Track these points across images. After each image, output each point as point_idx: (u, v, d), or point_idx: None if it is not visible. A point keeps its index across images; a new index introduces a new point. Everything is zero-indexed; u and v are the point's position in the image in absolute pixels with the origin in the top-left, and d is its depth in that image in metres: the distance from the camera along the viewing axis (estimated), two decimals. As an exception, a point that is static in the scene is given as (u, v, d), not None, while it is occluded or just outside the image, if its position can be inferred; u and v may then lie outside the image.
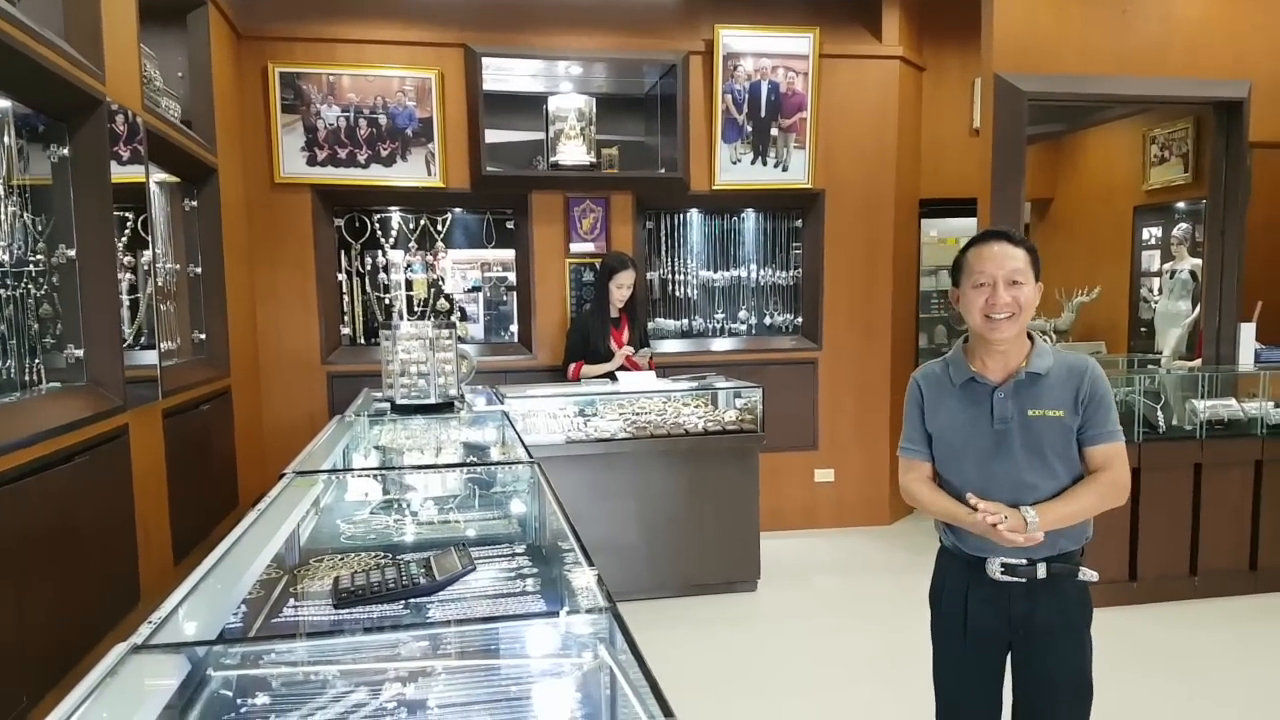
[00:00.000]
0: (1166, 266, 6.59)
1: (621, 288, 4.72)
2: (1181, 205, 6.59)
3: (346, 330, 5.35)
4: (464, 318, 5.60)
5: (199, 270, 4.07)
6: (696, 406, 4.53)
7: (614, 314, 4.79)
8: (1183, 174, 6.30)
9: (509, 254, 5.59)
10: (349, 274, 5.37)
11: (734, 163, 5.30)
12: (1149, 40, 4.68)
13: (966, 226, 6.55)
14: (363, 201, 5.27)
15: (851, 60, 5.46)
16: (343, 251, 5.35)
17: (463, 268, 5.65)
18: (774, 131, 5.33)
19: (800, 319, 5.79)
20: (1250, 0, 4.77)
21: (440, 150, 5.01)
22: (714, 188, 5.30)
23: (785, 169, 5.36)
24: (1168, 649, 3.85)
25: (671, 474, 4.33)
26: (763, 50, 5.27)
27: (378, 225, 5.40)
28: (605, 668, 1.50)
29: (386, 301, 5.44)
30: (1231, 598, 4.38)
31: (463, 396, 3.70)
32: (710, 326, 5.77)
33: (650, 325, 5.45)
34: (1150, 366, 5.11)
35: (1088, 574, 2.08)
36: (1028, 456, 2.03)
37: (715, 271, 5.76)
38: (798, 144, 5.36)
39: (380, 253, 5.41)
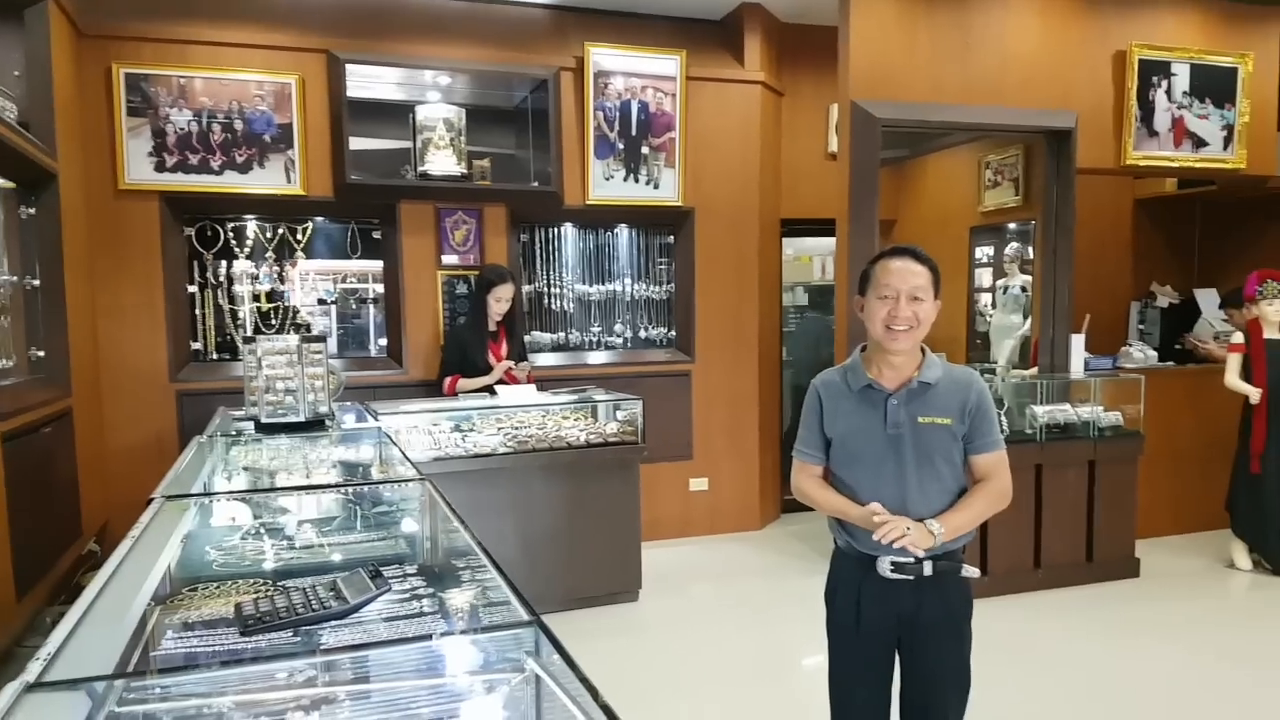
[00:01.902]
0: (1000, 283, 7.12)
1: (500, 301, 4.67)
2: (1012, 226, 7.13)
3: (197, 345, 5.05)
4: (303, 328, 5.30)
5: (36, 283, 3.73)
6: (577, 419, 4.53)
7: (492, 327, 4.74)
8: (1014, 197, 6.83)
9: (377, 265, 5.43)
10: (201, 286, 5.06)
11: (607, 179, 5.35)
12: (988, 72, 5.06)
13: (823, 246, 6.86)
14: (216, 209, 4.99)
15: (716, 84, 5.63)
16: (195, 262, 5.05)
17: (323, 279, 5.43)
18: (645, 150, 5.42)
19: (674, 332, 5.90)
20: (1075, 39, 5.25)
21: (301, 157, 4.82)
22: (588, 203, 5.34)
23: (657, 186, 5.46)
24: (1017, 637, 4.14)
25: (552, 488, 4.31)
26: (632, 70, 5.36)
27: (232, 235, 5.12)
28: (531, 680, 1.49)
29: (238, 315, 5.16)
30: (1071, 588, 4.76)
31: (333, 414, 3.57)
32: (586, 340, 5.80)
33: (527, 338, 5.41)
34: (988, 376, 5.49)
35: (970, 571, 2.22)
36: (917, 460, 2.17)
37: (590, 285, 5.79)
38: (668, 163, 5.47)
39: (230, 263, 5.13)
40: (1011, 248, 7.04)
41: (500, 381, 4.66)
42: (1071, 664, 3.87)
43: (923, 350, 2.23)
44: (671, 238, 5.86)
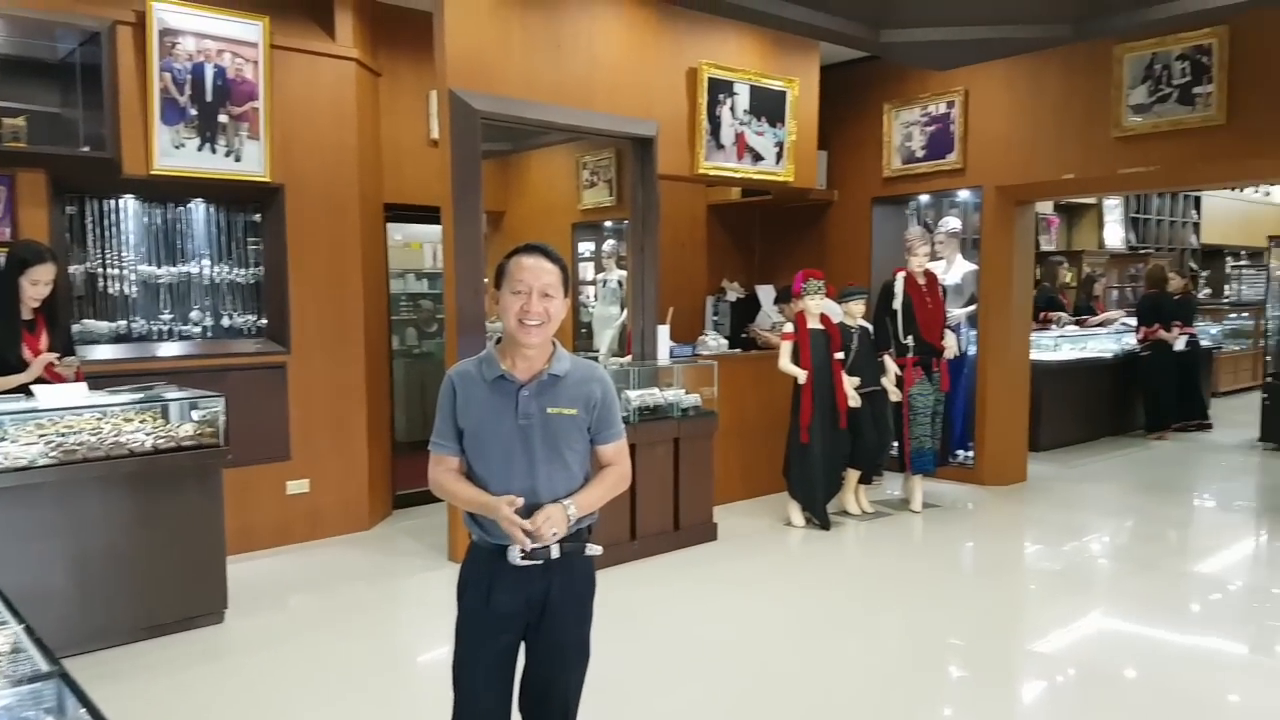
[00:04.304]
0: (599, 277, 7.57)
1: (37, 284, 3.93)
2: (609, 224, 7.62)
3: None
4: None
5: None
6: (143, 422, 3.95)
7: (27, 315, 3.97)
8: (609, 197, 7.28)
9: None
10: None
11: (177, 147, 4.74)
12: (579, 76, 5.28)
13: (433, 233, 6.75)
14: None
15: (305, 55, 5.25)
16: None
17: None
18: (223, 118, 4.89)
19: (265, 320, 5.40)
20: (654, 52, 5.68)
21: None
22: (152, 172, 4.68)
23: (239, 159, 4.95)
24: (621, 605, 4.37)
25: (112, 503, 3.73)
26: (206, 31, 4.80)
27: None
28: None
29: None
30: (662, 555, 5.19)
31: None
32: (155, 329, 5.10)
33: (76, 328, 4.62)
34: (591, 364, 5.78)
35: (593, 549, 2.33)
36: (545, 449, 2.24)
37: (159, 266, 5.10)
38: (251, 134, 4.99)
39: None
40: (609, 244, 7.51)
41: (40, 380, 3.92)
42: (668, 624, 4.21)
43: (554, 343, 2.32)
44: (259, 216, 5.37)
